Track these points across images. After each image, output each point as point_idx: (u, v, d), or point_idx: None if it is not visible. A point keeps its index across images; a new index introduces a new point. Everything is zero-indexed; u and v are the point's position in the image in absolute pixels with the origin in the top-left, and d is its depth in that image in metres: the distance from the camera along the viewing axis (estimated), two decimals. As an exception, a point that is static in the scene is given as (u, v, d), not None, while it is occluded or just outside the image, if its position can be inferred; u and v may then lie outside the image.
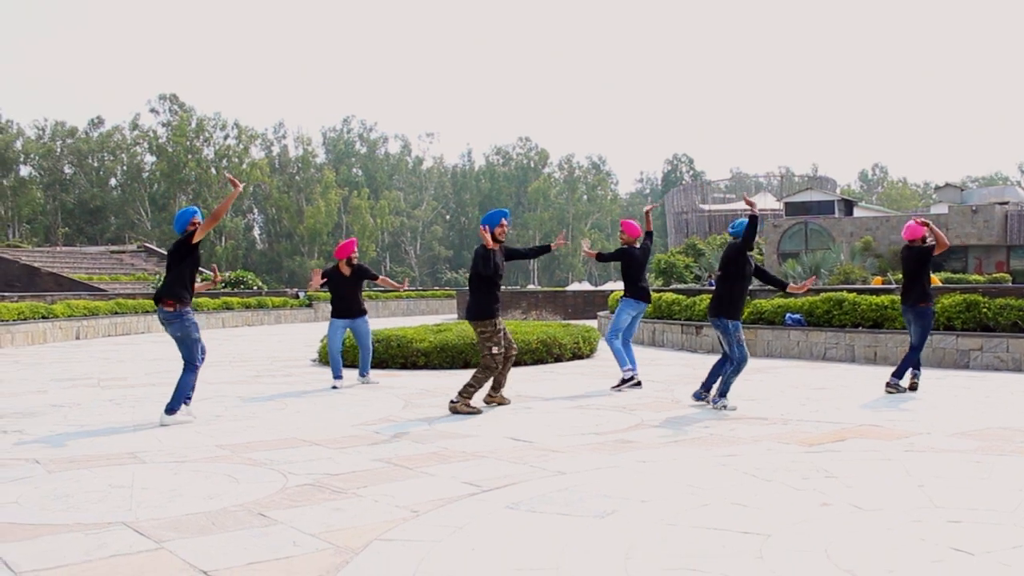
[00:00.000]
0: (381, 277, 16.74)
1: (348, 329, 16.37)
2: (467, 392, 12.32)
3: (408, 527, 6.64)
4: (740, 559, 5.72)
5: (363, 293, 16.47)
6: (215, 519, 6.97)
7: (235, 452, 9.85)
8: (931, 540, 6.04)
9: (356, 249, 16.14)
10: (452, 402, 12.36)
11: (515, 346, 13.00)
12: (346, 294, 16.21)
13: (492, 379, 12.83)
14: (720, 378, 12.54)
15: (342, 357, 16.32)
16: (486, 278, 12.49)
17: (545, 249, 13.66)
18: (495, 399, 13.09)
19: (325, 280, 16.28)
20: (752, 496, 7.37)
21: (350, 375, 16.61)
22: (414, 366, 18.86)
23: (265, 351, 25.75)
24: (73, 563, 5.93)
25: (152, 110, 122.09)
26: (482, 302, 12.49)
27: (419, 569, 5.65)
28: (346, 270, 16.19)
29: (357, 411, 13.01)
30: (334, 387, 15.83)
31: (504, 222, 12.72)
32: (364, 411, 12.98)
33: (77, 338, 33.66)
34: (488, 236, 12.49)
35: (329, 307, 16.85)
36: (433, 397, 14.28)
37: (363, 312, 16.42)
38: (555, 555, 5.86)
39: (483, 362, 12.49)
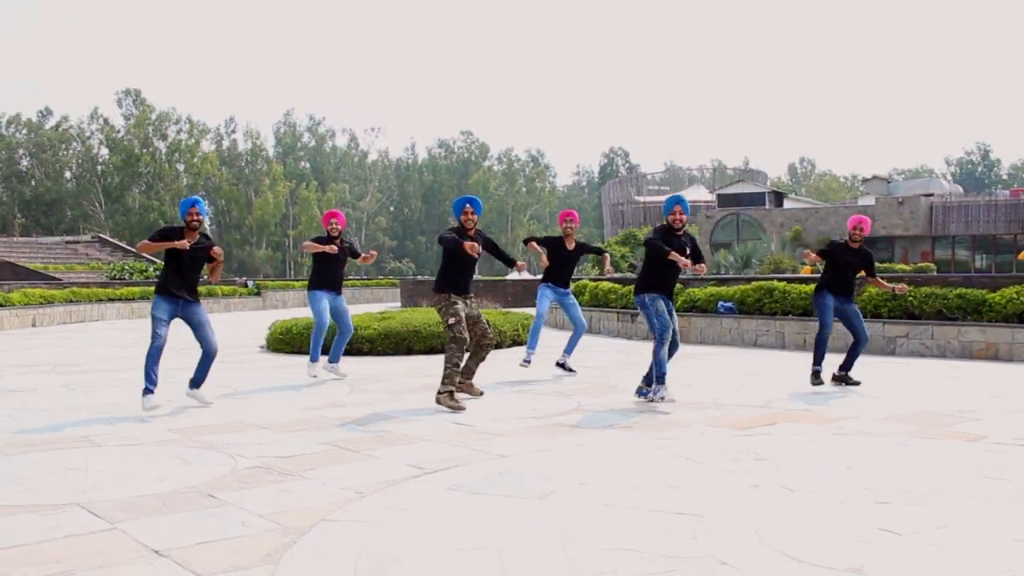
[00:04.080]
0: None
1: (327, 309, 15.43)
2: (447, 379, 11.89)
3: (353, 508, 6.61)
4: (674, 538, 5.73)
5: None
6: (166, 500, 6.92)
7: (186, 435, 9.79)
8: (859, 521, 6.07)
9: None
10: (438, 393, 11.99)
11: (490, 336, 12.65)
12: (339, 267, 15.06)
13: (466, 357, 12.62)
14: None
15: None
16: (447, 252, 12.22)
17: (510, 262, 13.34)
18: (464, 387, 12.64)
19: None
20: (686, 478, 7.38)
21: (299, 362, 16.48)
22: (359, 352, 18.76)
23: (215, 339, 25.57)
24: (28, 543, 5.87)
25: (118, 102, 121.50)
26: (439, 276, 12.29)
27: (364, 549, 5.63)
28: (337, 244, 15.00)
29: (304, 396, 12.98)
30: (314, 376, 15.08)
31: (468, 208, 12.27)
32: (311, 396, 12.94)
33: (33, 325, 33.38)
34: (468, 248, 12.08)
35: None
36: (377, 383, 14.25)
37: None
38: (496, 535, 5.85)
39: (447, 336, 12.25)
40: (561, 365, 15.38)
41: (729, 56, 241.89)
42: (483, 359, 12.81)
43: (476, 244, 11.86)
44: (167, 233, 11.92)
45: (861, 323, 13.32)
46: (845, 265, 13.26)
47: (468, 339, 12.00)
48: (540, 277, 15.56)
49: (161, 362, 11.88)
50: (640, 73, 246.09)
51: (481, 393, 12.79)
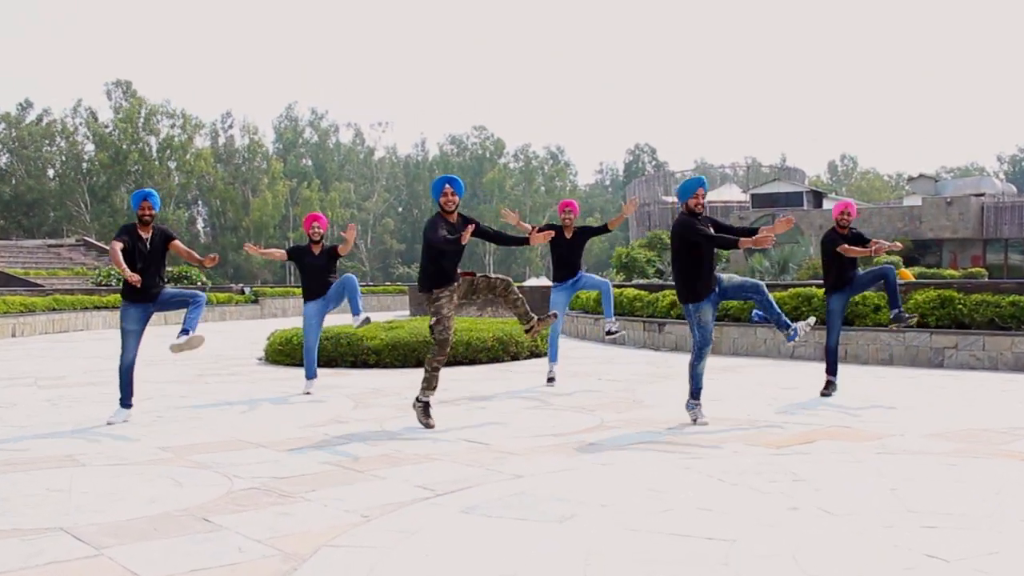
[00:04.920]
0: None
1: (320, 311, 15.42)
2: (426, 384, 11.61)
3: (358, 533, 6.62)
4: (705, 565, 5.72)
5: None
6: (157, 524, 6.93)
7: (178, 454, 9.81)
8: (904, 546, 6.06)
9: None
10: (415, 400, 11.81)
11: (513, 289, 12.19)
12: (321, 273, 15.02)
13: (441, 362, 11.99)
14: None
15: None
16: (430, 247, 11.91)
17: (523, 241, 12.97)
18: (542, 323, 12.38)
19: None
20: (717, 500, 7.38)
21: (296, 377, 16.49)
22: (364, 365, 18.80)
23: (209, 349, 25.64)
24: (9, 571, 5.88)
25: (107, 94, 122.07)
26: (422, 272, 11.83)
27: (370, 577, 5.64)
28: (316, 248, 15.20)
29: (305, 412, 12.99)
30: (307, 392, 14.97)
31: (447, 189, 11.84)
32: (312, 412, 12.96)
33: (13, 336, 33.50)
34: (464, 237, 11.81)
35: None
36: (384, 397, 14.27)
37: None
38: (512, 562, 5.86)
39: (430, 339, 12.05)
40: (609, 332, 15.94)
41: (766, 46, 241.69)
42: (520, 308, 12.31)
43: (469, 229, 11.42)
44: (122, 233, 12.06)
45: (872, 271, 13.95)
46: (839, 256, 13.70)
47: (451, 340, 11.73)
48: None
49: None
50: (668, 64, 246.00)
51: (555, 315, 12.93)
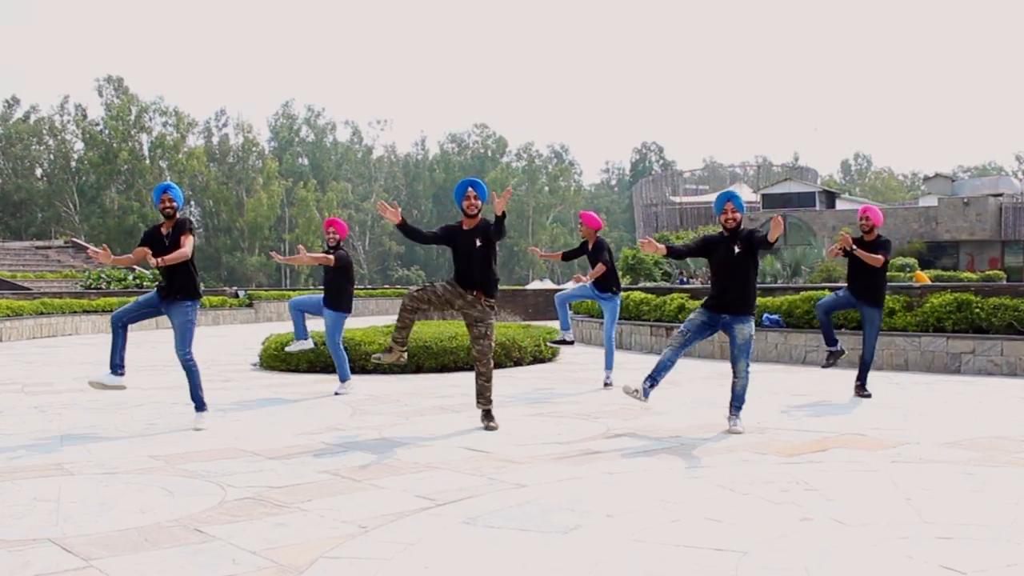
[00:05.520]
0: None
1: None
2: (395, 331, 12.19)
3: (356, 544, 6.62)
4: (714, 578, 5.73)
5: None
6: (148, 535, 6.93)
7: (170, 463, 9.80)
8: (920, 558, 6.05)
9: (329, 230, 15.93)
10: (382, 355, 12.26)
11: (484, 345, 12.08)
12: (333, 279, 15.76)
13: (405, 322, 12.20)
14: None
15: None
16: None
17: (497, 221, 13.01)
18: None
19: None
20: (727, 510, 7.38)
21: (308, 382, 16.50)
22: (362, 371, 18.77)
23: (202, 354, 25.55)
24: (-7, 584, 5.89)
25: (98, 90, 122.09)
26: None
27: (368, 590, 5.64)
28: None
29: (301, 419, 12.97)
30: (339, 393, 15.63)
31: (470, 192, 12.11)
32: (309, 419, 12.94)
33: (0, 340, 33.51)
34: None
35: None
36: (383, 404, 14.26)
37: None
38: (514, 574, 5.85)
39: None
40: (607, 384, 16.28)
41: (777, 41, 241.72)
42: (483, 376, 12.15)
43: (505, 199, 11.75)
44: (145, 238, 12.05)
45: (871, 334, 14.29)
46: (859, 262, 13.88)
47: (415, 304, 11.92)
48: (561, 286, 15.91)
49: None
50: (677, 59, 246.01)
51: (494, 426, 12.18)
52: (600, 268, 15.92)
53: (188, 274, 12.02)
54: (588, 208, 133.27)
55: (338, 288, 15.68)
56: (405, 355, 12.33)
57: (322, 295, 15.86)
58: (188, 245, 11.93)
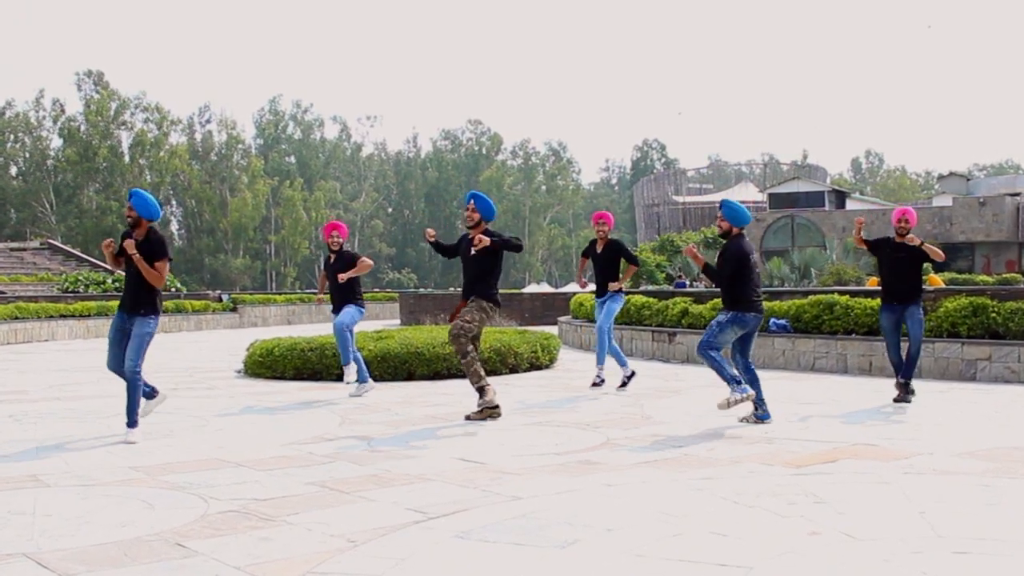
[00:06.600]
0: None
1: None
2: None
3: (344, 559, 6.62)
4: (719, 594, 5.73)
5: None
6: (128, 550, 6.92)
7: (150, 474, 9.80)
8: (933, 573, 6.06)
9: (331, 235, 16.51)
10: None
11: (455, 333, 13.18)
12: (334, 281, 16.37)
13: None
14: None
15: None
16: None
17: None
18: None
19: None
20: (732, 524, 7.38)
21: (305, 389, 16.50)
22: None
23: (183, 360, 25.67)
24: (-36, 601, 5.89)
25: (77, 85, 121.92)
26: None
27: (357, 607, 5.64)
28: (332, 257, 16.46)
29: (287, 428, 12.95)
30: (357, 394, 16.28)
31: (469, 205, 13.34)
32: (295, 428, 12.93)
33: (-29, 346, 33.49)
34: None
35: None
36: (373, 413, 14.26)
37: None
38: (511, 591, 5.86)
39: None
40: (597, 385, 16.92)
41: (784, 35, 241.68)
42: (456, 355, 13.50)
43: (482, 240, 12.78)
44: (121, 239, 12.02)
45: (917, 329, 14.31)
46: (892, 262, 13.86)
47: (466, 340, 13.13)
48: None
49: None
50: (680, 54, 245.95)
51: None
52: (632, 269, 16.51)
53: (153, 291, 12.02)
54: (588, 208, 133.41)
55: (356, 287, 16.36)
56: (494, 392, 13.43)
57: (345, 302, 16.35)
58: (164, 273, 11.99)
